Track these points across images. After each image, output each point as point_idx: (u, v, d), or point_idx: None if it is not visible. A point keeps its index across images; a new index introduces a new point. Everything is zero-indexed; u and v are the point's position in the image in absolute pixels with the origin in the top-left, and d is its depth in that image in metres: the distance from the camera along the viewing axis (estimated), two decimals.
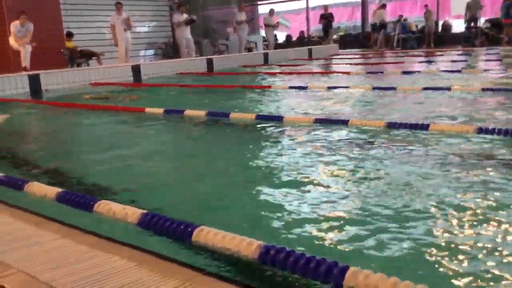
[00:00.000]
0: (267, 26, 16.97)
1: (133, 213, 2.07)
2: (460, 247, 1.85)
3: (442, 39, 18.52)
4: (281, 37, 23.32)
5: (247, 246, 1.69)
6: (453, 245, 1.87)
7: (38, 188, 2.55)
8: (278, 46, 19.80)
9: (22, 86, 8.71)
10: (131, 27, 12.26)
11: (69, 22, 13.10)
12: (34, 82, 8.87)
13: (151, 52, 16.04)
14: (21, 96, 8.35)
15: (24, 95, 8.49)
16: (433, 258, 1.78)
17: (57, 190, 2.45)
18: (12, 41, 10.49)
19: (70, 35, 12.66)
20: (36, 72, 9.29)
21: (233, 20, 15.62)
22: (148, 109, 5.64)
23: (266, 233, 2.10)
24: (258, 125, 4.56)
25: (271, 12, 17.16)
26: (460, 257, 1.77)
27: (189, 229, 1.87)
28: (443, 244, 1.89)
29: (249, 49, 16.25)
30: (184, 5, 13.45)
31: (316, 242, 1.98)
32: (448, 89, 6.07)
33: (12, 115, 6.30)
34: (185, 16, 13.10)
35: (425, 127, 3.80)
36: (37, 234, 1.86)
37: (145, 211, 2.06)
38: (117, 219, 2.09)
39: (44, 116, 6.61)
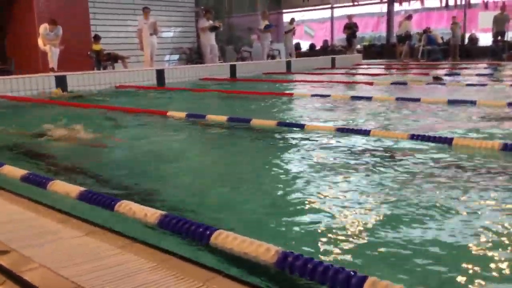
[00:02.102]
0: (286, 33, 17.02)
1: (152, 214, 2.09)
2: (488, 262, 1.82)
3: (469, 52, 18.24)
4: (304, 45, 23.32)
5: (265, 251, 1.69)
6: (480, 261, 1.83)
7: (61, 186, 2.60)
8: (301, 54, 19.81)
9: (49, 87, 8.90)
10: (157, 32, 12.44)
11: (97, 26, 13.36)
12: (61, 83, 9.04)
13: (176, 57, 16.23)
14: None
15: (49, 96, 8.66)
16: (458, 273, 1.75)
17: (79, 188, 2.49)
18: (40, 42, 10.74)
19: (97, 38, 12.91)
20: (63, 73, 9.48)
21: (257, 28, 15.70)
22: (170, 113, 5.70)
23: (284, 238, 2.09)
24: (279, 132, 4.56)
25: (292, 21, 17.21)
26: (489, 273, 1.74)
27: (208, 232, 1.88)
28: (469, 261, 1.85)
29: (272, 57, 16.28)
30: (210, 12, 13.60)
31: (334, 250, 1.97)
32: (474, 102, 5.97)
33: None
34: (210, 22, 13.24)
35: (448, 141, 3.74)
36: (60, 230, 1.90)
37: (164, 213, 2.07)
38: (137, 219, 2.11)
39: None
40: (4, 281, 1.47)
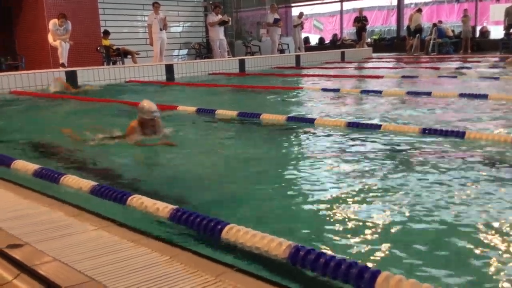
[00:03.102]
0: (294, 27, 16.96)
1: (164, 208, 2.10)
2: (503, 258, 1.80)
3: (480, 45, 18.05)
4: (313, 39, 23.22)
5: (277, 246, 1.68)
6: (496, 257, 1.81)
7: (73, 181, 2.62)
8: (310, 48, 19.72)
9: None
10: (167, 27, 12.44)
11: (106, 21, 13.40)
12: (71, 78, 9.10)
13: (185, 51, 16.23)
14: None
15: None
16: (472, 269, 1.74)
17: (92, 183, 2.51)
18: (50, 38, 10.80)
19: (106, 33, 12.95)
20: (73, 68, 9.53)
21: (265, 22, 15.65)
22: (180, 107, 5.71)
23: (295, 232, 2.09)
24: (289, 127, 4.55)
25: (300, 15, 17.14)
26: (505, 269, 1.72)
27: (219, 227, 1.88)
28: (483, 256, 1.83)
29: (281, 51, 16.23)
30: (219, 7, 13.57)
31: (345, 244, 1.96)
32: (485, 96, 5.91)
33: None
34: (219, 17, 13.22)
35: (461, 134, 3.71)
36: (73, 224, 1.91)
37: (175, 207, 2.08)
38: (149, 213, 2.12)
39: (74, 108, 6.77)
40: (18, 274, 1.49)
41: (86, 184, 2.51)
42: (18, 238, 1.78)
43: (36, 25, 11.85)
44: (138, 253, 1.60)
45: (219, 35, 13.30)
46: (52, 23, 10.60)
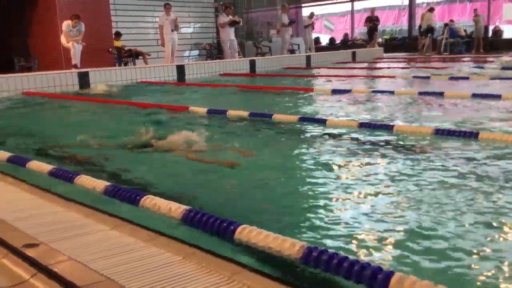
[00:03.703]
0: (305, 27, 16.94)
1: (177, 209, 2.11)
2: None
3: (493, 44, 17.86)
4: (324, 39, 23.16)
5: (290, 246, 1.69)
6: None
7: (87, 181, 2.64)
8: (321, 48, 19.67)
9: (72, 83, 9.04)
10: (178, 28, 12.50)
11: (118, 22, 13.50)
12: (83, 79, 9.18)
13: (196, 52, 16.30)
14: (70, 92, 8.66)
15: (73, 92, 8.80)
16: (485, 271, 1.72)
17: (105, 183, 2.53)
18: (63, 39, 10.91)
19: (118, 34, 13.05)
20: (85, 69, 9.62)
21: (276, 23, 15.66)
22: (191, 108, 5.73)
23: (307, 232, 2.09)
24: (301, 127, 4.54)
25: (311, 15, 17.11)
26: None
27: (232, 227, 1.89)
28: (500, 257, 1.82)
29: (292, 51, 16.22)
30: (230, 8, 13.60)
31: (359, 245, 1.96)
32: (499, 96, 5.85)
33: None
34: (230, 17, 13.26)
35: (474, 135, 3.68)
36: (88, 224, 1.93)
37: (188, 207, 2.09)
38: (162, 214, 2.13)
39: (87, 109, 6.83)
40: (35, 273, 1.51)
41: (100, 184, 2.53)
42: (33, 237, 1.81)
43: (49, 27, 11.97)
44: (152, 252, 1.62)
45: (230, 36, 13.32)
46: (66, 25, 10.70)
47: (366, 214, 2.28)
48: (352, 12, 23.18)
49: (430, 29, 17.36)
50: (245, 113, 5.11)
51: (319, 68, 12.70)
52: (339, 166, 3.15)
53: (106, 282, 1.42)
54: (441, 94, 6.26)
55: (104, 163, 3.48)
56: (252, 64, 12.41)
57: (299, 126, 4.62)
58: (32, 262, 1.59)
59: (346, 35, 22.46)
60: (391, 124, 4.25)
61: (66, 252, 1.65)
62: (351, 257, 1.58)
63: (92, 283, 1.41)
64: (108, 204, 2.31)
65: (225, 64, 11.92)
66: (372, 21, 17.78)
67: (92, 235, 1.83)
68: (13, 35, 12.60)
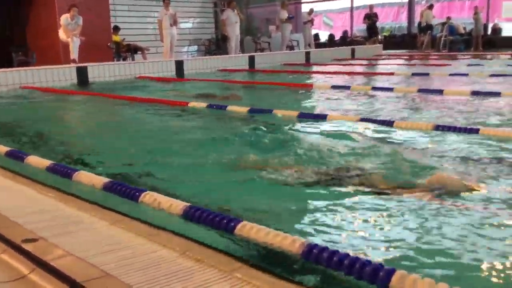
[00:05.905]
0: (304, 23, 16.91)
1: (177, 205, 2.10)
2: None
3: (492, 42, 17.85)
4: (323, 36, 23.11)
5: (290, 243, 1.68)
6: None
7: (86, 177, 2.63)
8: (320, 45, 19.63)
9: (70, 78, 9.01)
10: (177, 23, 12.45)
11: (116, 17, 13.44)
12: (82, 74, 9.15)
13: (195, 48, 16.25)
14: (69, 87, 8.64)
15: (71, 86, 8.77)
16: (486, 270, 1.72)
17: (104, 179, 2.51)
18: (61, 34, 10.85)
19: (116, 29, 12.99)
20: (84, 64, 9.58)
21: (276, 18, 15.62)
22: (191, 103, 5.72)
23: (309, 229, 2.08)
24: (301, 123, 4.53)
25: (310, 11, 17.07)
26: None
27: (232, 224, 1.88)
28: (498, 256, 1.81)
29: (291, 48, 16.19)
30: (233, 2, 13.54)
31: (361, 243, 1.95)
32: (498, 94, 5.84)
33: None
34: (236, 13, 13.24)
35: (474, 131, 3.67)
36: (87, 219, 1.92)
37: (189, 204, 2.08)
38: (162, 210, 2.12)
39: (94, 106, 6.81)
40: (34, 269, 1.50)
41: (99, 180, 2.52)
42: (32, 232, 1.80)
43: (47, 21, 11.91)
44: (152, 248, 1.61)
45: (236, 31, 13.35)
46: (64, 18, 10.64)
47: (368, 209, 2.28)
48: (351, 8, 23.13)
49: (429, 27, 17.34)
50: (244, 109, 5.09)
51: (318, 64, 12.68)
52: (336, 160, 3.14)
53: (105, 277, 1.41)
54: (440, 91, 6.25)
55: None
56: (252, 60, 12.39)
57: (299, 121, 4.61)
58: (31, 257, 1.58)
59: (345, 32, 22.42)
60: (391, 120, 4.24)
61: (65, 247, 1.64)
62: (351, 254, 1.58)
63: (91, 279, 1.40)
64: (107, 199, 2.30)
65: (224, 60, 11.89)
66: (370, 18, 17.74)
67: (91, 230, 1.82)
68: (12, 29, 12.54)
